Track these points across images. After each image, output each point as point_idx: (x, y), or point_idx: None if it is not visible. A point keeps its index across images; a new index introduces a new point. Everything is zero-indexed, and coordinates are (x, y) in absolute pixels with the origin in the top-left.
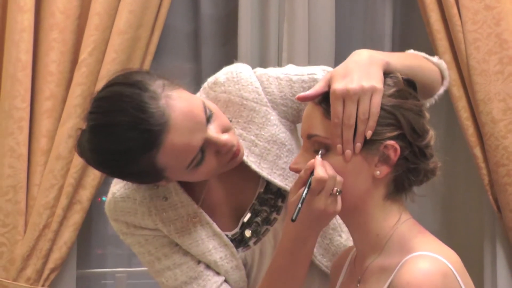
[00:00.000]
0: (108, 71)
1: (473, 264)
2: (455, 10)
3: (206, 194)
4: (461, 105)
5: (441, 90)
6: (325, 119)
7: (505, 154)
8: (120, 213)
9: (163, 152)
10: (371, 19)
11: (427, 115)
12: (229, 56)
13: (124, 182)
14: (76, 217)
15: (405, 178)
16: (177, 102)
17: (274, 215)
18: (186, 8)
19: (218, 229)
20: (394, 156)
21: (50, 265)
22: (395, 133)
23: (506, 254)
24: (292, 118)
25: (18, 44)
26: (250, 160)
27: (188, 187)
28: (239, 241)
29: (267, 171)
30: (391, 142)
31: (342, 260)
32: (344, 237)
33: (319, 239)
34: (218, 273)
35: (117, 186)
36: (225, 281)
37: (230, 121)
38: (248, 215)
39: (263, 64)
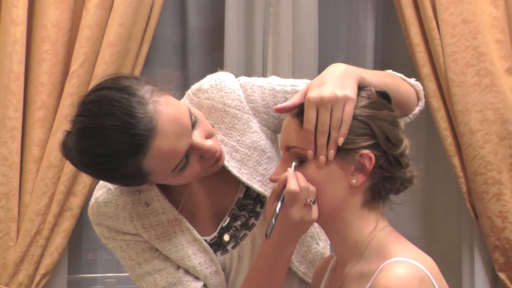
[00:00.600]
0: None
1: (452, 268)
2: (434, 24)
3: (187, 198)
4: (440, 116)
5: (416, 110)
6: (302, 131)
7: (482, 163)
8: (102, 218)
9: (150, 156)
10: (353, 32)
11: (402, 125)
12: (215, 65)
13: (107, 187)
14: (67, 224)
15: (381, 187)
16: (165, 108)
17: (252, 220)
18: (174, 20)
19: (197, 235)
20: (369, 164)
21: (42, 270)
22: (369, 142)
23: (483, 259)
24: (273, 127)
25: (10, 55)
26: (231, 165)
27: (169, 192)
28: (218, 245)
29: (247, 176)
30: (366, 151)
31: (323, 268)
32: (321, 245)
33: (297, 246)
34: (197, 278)
35: (100, 191)
36: (204, 285)
37: (213, 126)
38: (227, 220)
39: (249, 74)
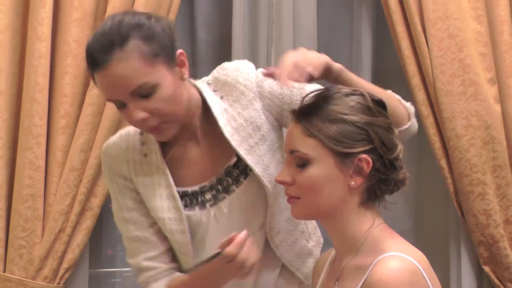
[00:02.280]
0: None
1: (441, 262)
2: (423, 38)
3: (183, 152)
4: (429, 122)
5: (404, 127)
6: (305, 137)
7: (467, 165)
8: (107, 157)
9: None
10: (351, 46)
11: (396, 131)
12: None
13: (121, 133)
14: (88, 222)
15: (377, 188)
16: (122, 63)
17: (233, 187)
18: (184, 34)
19: (176, 193)
20: (367, 168)
21: (65, 265)
22: (367, 147)
23: (469, 253)
24: (275, 114)
25: (36, 69)
26: (226, 130)
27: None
28: (197, 199)
29: (236, 142)
30: (364, 155)
31: (323, 261)
32: (311, 243)
33: (285, 235)
34: (162, 242)
35: (115, 136)
36: (161, 254)
37: (221, 97)
38: (213, 181)
39: None
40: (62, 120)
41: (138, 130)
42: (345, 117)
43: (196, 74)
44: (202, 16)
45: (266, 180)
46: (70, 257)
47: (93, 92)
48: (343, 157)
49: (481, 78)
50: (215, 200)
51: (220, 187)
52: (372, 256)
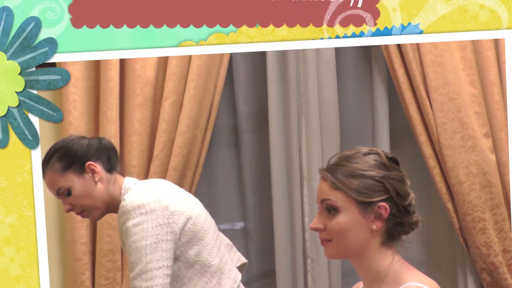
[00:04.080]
0: (174, 162)
1: (450, 287)
2: (427, 102)
3: None
4: (436, 172)
5: None
6: (333, 190)
7: (469, 206)
8: None
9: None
10: (373, 113)
11: (408, 182)
12: (261, 142)
13: None
14: None
15: (394, 230)
16: (47, 174)
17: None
18: (226, 109)
19: None
20: (385, 213)
21: None
22: (384, 196)
23: (474, 279)
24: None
25: None
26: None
27: None
28: None
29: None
30: (383, 203)
31: None
32: None
33: None
34: None
35: None
36: None
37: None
38: None
39: (288, 148)
40: None
41: None
42: (365, 172)
43: (238, 142)
44: (242, 94)
45: None
46: None
47: (156, 163)
48: (365, 205)
49: (477, 133)
50: None
51: None
52: (394, 286)
